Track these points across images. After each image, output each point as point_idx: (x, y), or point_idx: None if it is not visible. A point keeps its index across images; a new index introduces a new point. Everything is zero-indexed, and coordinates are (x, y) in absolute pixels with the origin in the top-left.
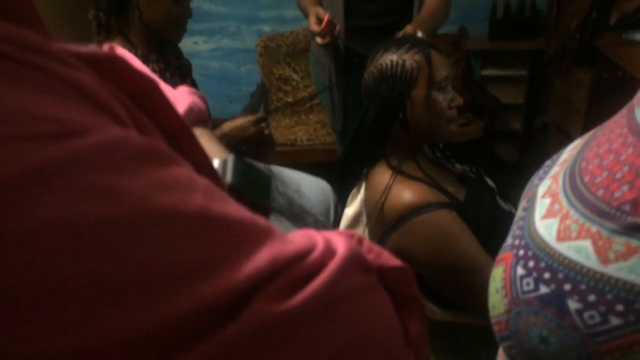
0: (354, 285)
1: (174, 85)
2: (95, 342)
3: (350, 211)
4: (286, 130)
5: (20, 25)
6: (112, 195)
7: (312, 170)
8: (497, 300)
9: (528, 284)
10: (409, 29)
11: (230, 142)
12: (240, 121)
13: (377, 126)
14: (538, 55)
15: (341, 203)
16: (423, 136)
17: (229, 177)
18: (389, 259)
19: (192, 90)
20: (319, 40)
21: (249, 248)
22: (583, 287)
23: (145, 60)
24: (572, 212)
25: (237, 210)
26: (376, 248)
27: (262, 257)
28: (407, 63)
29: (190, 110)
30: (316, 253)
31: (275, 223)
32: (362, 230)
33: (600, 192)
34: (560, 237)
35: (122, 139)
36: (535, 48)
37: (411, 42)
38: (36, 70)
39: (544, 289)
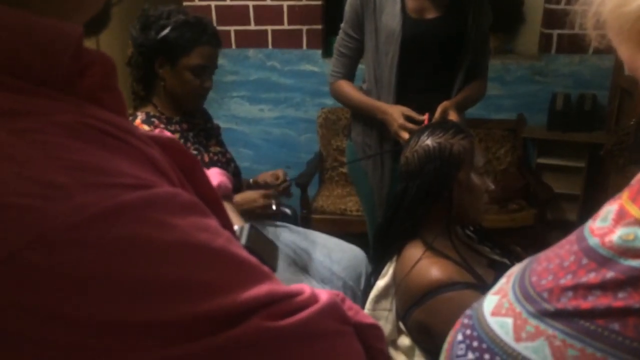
0: (331, 329)
1: (198, 142)
2: (130, 318)
3: (381, 283)
4: (338, 199)
5: (114, 113)
6: (167, 227)
7: (360, 241)
8: (441, 358)
9: (461, 348)
10: (445, 104)
11: (239, 210)
12: (250, 193)
13: (419, 204)
14: (598, 148)
15: (375, 275)
16: (460, 217)
17: (243, 241)
18: (365, 317)
19: (222, 171)
20: (405, 135)
21: (254, 281)
22: (498, 358)
23: (169, 122)
24: (510, 294)
25: (247, 255)
26: (355, 307)
27: (263, 289)
28: (455, 147)
29: (219, 187)
30: (303, 296)
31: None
32: (390, 303)
33: (534, 279)
34: (494, 312)
35: (176, 193)
36: (595, 141)
37: (457, 128)
38: (127, 144)
39: (470, 355)
